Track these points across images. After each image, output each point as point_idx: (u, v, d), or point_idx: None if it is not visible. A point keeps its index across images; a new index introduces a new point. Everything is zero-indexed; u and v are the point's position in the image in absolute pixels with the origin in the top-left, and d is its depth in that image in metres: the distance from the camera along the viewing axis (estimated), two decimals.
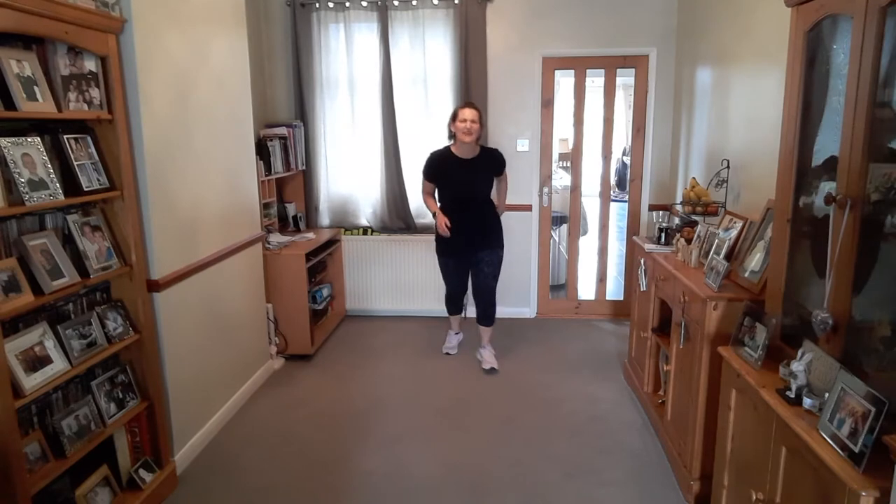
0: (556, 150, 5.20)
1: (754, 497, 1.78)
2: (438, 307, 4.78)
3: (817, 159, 1.86)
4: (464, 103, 3.66)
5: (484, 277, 3.77)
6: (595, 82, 4.99)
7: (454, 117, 3.57)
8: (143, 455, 2.52)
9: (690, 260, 2.82)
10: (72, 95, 2.12)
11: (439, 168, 3.66)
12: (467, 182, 3.63)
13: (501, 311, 4.78)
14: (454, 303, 4.05)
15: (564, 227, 5.29)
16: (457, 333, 4.17)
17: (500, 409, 3.31)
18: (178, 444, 2.74)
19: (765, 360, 1.91)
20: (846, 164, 1.57)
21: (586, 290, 5.06)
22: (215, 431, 3.08)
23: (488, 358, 3.86)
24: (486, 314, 3.87)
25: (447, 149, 3.67)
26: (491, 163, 3.70)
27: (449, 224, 3.62)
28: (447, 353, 4.04)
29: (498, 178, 3.82)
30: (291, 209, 4.61)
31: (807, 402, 1.63)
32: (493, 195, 3.82)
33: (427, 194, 3.81)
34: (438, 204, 3.75)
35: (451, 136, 3.64)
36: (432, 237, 4.64)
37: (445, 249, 3.78)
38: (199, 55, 2.91)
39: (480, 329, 3.92)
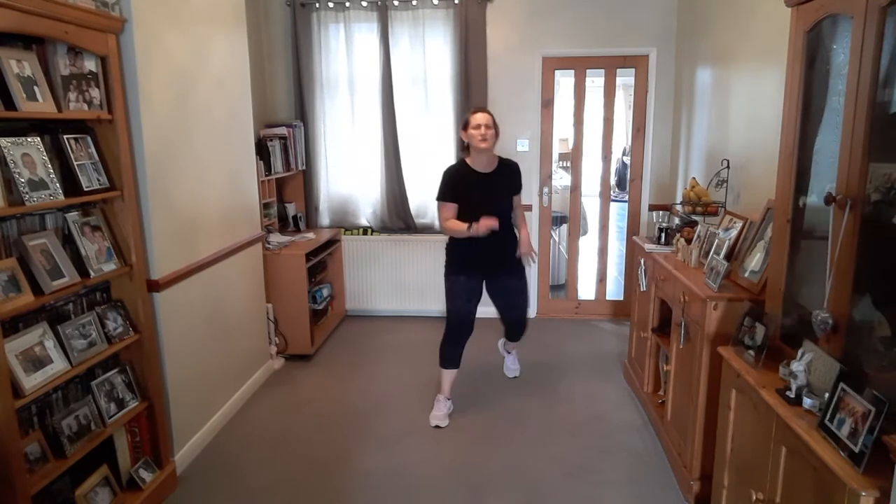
0: (556, 150, 5.20)
1: (754, 497, 1.78)
2: (438, 307, 4.79)
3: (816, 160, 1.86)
4: (474, 108, 3.18)
5: (517, 308, 3.37)
6: (595, 82, 4.99)
7: (465, 125, 3.08)
8: (143, 455, 2.52)
9: (690, 260, 2.82)
10: (72, 95, 2.12)
11: (460, 186, 3.09)
12: (488, 198, 3.09)
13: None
14: (456, 342, 3.23)
15: (564, 227, 5.29)
16: (448, 399, 3.29)
17: (500, 409, 3.31)
18: (178, 444, 2.74)
19: (765, 360, 1.90)
20: (846, 164, 1.57)
21: (586, 290, 5.06)
22: (215, 431, 3.08)
23: (510, 363, 3.75)
24: (517, 335, 3.54)
25: (462, 162, 3.16)
26: (511, 177, 3.22)
27: (489, 226, 2.95)
28: (437, 427, 3.16)
29: (514, 197, 3.28)
30: (291, 209, 4.61)
31: (807, 402, 1.63)
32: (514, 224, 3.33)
33: (447, 220, 3.10)
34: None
35: (465, 146, 3.14)
36: (432, 237, 4.68)
37: (468, 268, 3.17)
38: (199, 55, 2.91)
39: (507, 343, 3.68)
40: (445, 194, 3.10)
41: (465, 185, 3.09)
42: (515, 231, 3.31)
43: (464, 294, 3.18)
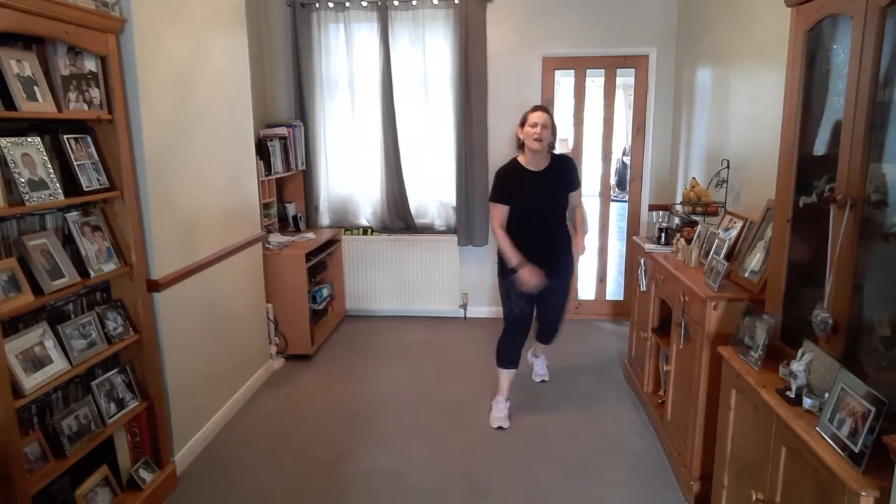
0: (557, 150, 5.18)
1: (754, 497, 1.78)
2: (438, 307, 4.80)
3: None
4: (533, 107, 3.09)
5: (556, 311, 3.31)
6: (595, 82, 4.99)
7: (522, 122, 3.02)
8: (143, 455, 2.52)
9: (690, 260, 2.82)
10: (72, 95, 2.12)
11: (512, 186, 3.02)
12: (540, 197, 3.03)
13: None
14: (514, 341, 3.18)
15: None
16: (507, 400, 3.23)
17: None
18: (178, 444, 2.74)
19: (765, 360, 1.91)
20: (846, 164, 1.57)
21: (586, 290, 5.06)
22: (215, 431, 3.08)
23: (538, 368, 3.67)
24: (550, 337, 3.50)
25: (514, 161, 3.08)
26: (564, 174, 3.11)
27: (533, 280, 2.96)
28: (500, 427, 3.12)
29: (571, 195, 3.16)
30: (291, 209, 4.61)
31: (807, 402, 1.63)
32: (570, 223, 3.25)
33: (500, 226, 3.04)
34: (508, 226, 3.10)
35: (520, 144, 3.07)
36: (432, 237, 4.68)
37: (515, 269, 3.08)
38: (199, 55, 2.91)
39: (537, 344, 3.61)
40: (497, 195, 3.04)
41: (519, 185, 3.02)
42: (570, 229, 3.22)
43: (522, 297, 3.09)
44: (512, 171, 3.07)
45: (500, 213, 3.04)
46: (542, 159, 3.05)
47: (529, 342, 3.33)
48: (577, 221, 3.27)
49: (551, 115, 3.04)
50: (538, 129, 2.94)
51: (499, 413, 3.17)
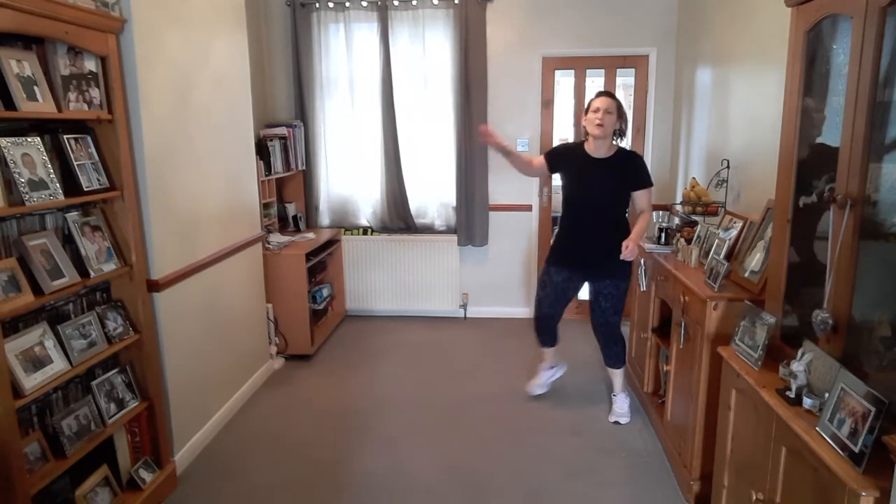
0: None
1: (754, 497, 1.78)
2: (438, 307, 4.80)
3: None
4: (597, 93, 3.00)
5: (602, 312, 3.10)
6: (595, 82, 4.99)
7: (586, 110, 2.95)
8: (143, 455, 2.52)
9: (690, 260, 2.82)
10: (72, 95, 2.12)
11: (564, 158, 3.07)
12: (596, 186, 2.97)
13: (502, 311, 4.80)
14: (545, 329, 3.31)
15: None
16: (550, 367, 3.42)
17: (500, 409, 3.31)
18: (178, 444, 2.74)
19: (765, 360, 1.91)
20: (846, 164, 1.57)
21: (586, 290, 5.05)
22: (215, 431, 3.08)
23: (618, 407, 3.19)
24: (611, 353, 3.20)
25: (579, 142, 3.08)
26: (627, 169, 2.97)
27: (496, 141, 2.93)
28: (536, 394, 3.31)
29: (637, 195, 3.00)
30: (291, 209, 4.61)
31: (807, 402, 1.63)
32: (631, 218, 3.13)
33: (529, 159, 3.16)
34: (560, 213, 3.14)
35: (585, 134, 3.01)
36: (432, 237, 4.69)
37: (558, 258, 3.13)
38: (199, 55, 2.91)
39: (609, 372, 3.29)
40: (548, 151, 3.21)
41: (570, 160, 3.05)
42: (630, 229, 3.00)
43: (548, 287, 3.19)
44: (571, 147, 3.13)
45: (539, 160, 3.17)
46: (605, 147, 2.96)
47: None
48: (641, 218, 2.98)
49: (617, 101, 2.94)
50: (600, 115, 2.87)
51: (538, 378, 3.45)
